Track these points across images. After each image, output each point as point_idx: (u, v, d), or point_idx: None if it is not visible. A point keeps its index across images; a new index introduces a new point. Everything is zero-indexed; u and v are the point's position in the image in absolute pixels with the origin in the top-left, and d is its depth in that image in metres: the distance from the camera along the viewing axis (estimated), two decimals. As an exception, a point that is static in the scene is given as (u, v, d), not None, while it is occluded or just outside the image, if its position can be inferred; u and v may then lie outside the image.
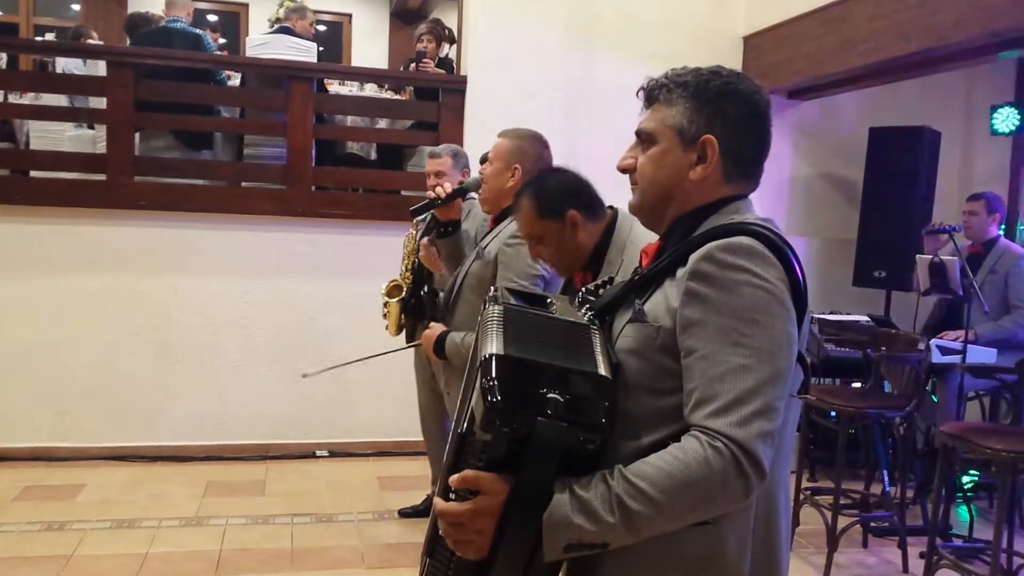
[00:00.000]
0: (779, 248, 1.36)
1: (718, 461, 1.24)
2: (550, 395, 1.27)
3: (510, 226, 3.11)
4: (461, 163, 4.12)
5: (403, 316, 4.14)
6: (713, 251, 1.34)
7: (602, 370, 1.33)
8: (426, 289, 3.95)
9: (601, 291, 1.59)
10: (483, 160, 4.03)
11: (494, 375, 1.27)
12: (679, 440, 1.30)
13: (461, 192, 3.27)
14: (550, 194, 2.40)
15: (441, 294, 3.57)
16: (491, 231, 3.23)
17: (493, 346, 1.32)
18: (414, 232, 4.15)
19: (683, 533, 1.32)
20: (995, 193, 5.17)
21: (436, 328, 3.26)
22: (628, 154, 1.55)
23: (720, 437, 1.25)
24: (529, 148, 3.13)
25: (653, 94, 1.51)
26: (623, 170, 1.56)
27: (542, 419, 1.26)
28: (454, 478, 1.33)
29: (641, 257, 1.56)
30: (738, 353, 1.29)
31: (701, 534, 1.34)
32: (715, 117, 1.45)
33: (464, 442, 1.35)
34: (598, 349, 1.39)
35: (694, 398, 1.30)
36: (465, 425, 1.36)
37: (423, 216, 3.84)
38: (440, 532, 1.38)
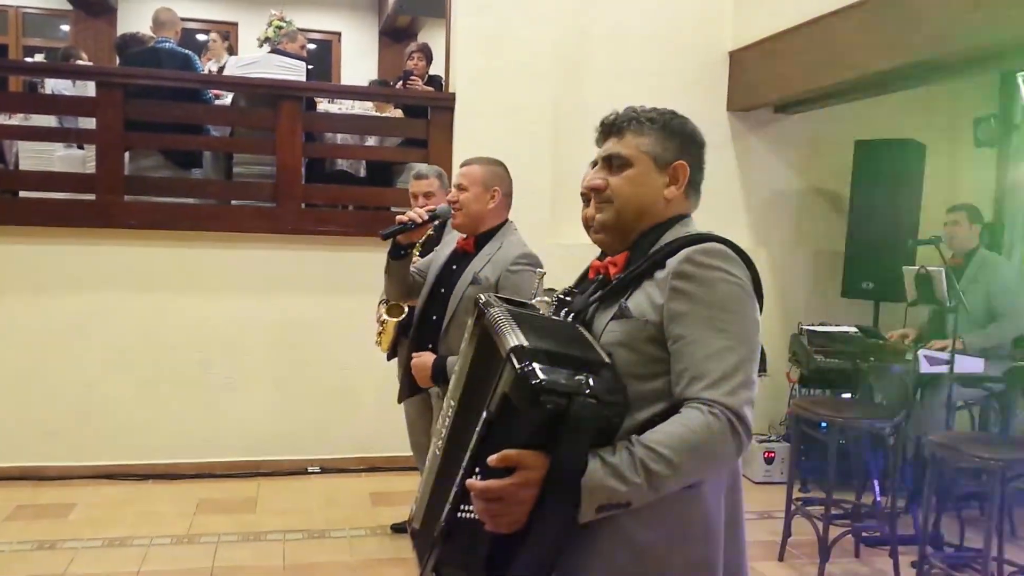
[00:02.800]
0: (741, 251, 1.65)
1: (717, 425, 1.49)
2: (578, 377, 1.44)
3: (506, 251, 3.17)
4: (446, 183, 4.19)
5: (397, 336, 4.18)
6: (693, 254, 1.60)
7: (606, 358, 1.55)
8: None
9: (569, 298, 1.84)
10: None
11: (528, 360, 1.43)
12: (666, 416, 1.54)
13: (434, 218, 3.32)
14: None
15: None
16: (474, 253, 3.24)
17: (517, 338, 1.48)
18: (414, 252, 4.15)
19: (678, 498, 1.55)
20: (975, 205, 5.21)
21: (427, 356, 3.22)
22: (597, 175, 1.78)
23: (716, 405, 1.50)
24: (503, 172, 3.29)
25: (622, 126, 1.75)
26: (594, 189, 1.77)
27: (580, 397, 1.41)
28: (494, 458, 1.45)
29: (608, 267, 1.77)
30: (721, 337, 1.54)
31: (688, 496, 1.57)
32: (683, 147, 1.75)
33: (493, 427, 1.49)
34: (593, 342, 1.60)
35: (687, 376, 1.54)
36: (492, 411, 1.49)
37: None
38: (475, 511, 1.49)
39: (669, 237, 1.69)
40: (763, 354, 1.68)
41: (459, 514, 1.54)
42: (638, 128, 1.73)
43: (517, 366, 1.42)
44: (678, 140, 1.74)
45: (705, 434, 1.48)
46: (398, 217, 3.26)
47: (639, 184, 1.72)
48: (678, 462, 1.47)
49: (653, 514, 1.55)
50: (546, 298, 2.50)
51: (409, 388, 3.44)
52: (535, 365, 1.41)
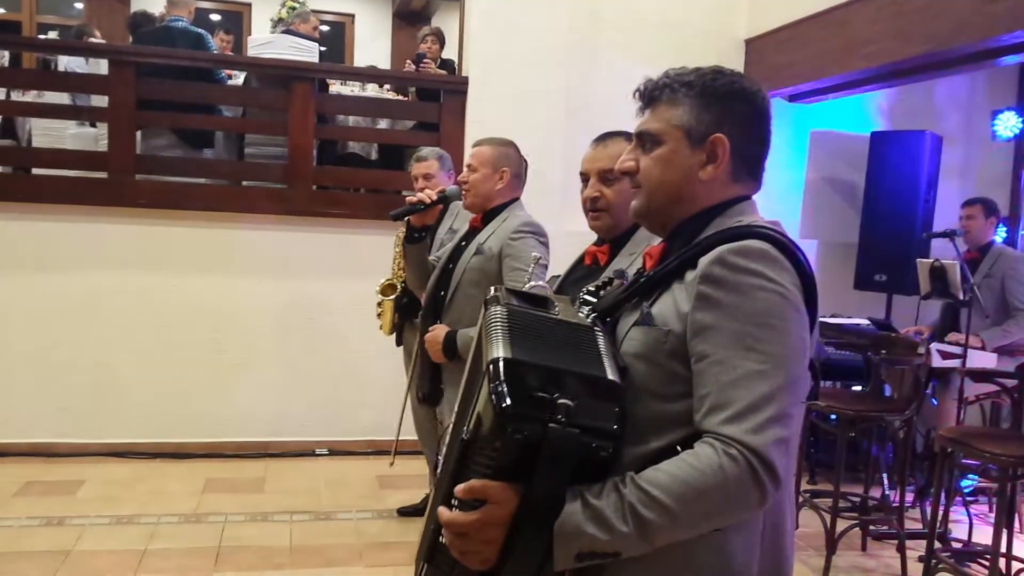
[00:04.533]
0: (791, 252, 1.34)
1: (733, 469, 1.22)
2: (561, 400, 1.22)
3: (510, 222, 3.19)
4: (446, 165, 4.23)
5: (396, 315, 4.21)
6: (725, 254, 1.32)
7: (610, 374, 1.30)
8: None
9: (602, 292, 1.56)
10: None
11: (503, 379, 1.23)
12: (687, 446, 1.28)
13: (444, 200, 3.36)
14: None
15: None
16: (481, 229, 3.26)
17: (500, 349, 1.27)
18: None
19: (691, 541, 1.29)
20: (991, 198, 5.17)
21: (440, 329, 3.20)
22: (628, 156, 1.51)
23: (735, 444, 1.22)
24: (512, 152, 3.29)
25: (654, 95, 1.48)
26: (624, 172, 1.52)
27: (555, 425, 1.21)
28: (460, 488, 1.27)
29: (644, 260, 1.52)
30: (752, 358, 1.26)
31: (709, 541, 1.31)
32: (724, 116, 1.43)
33: (468, 449, 1.30)
34: (604, 352, 1.35)
35: (707, 404, 1.27)
36: (470, 431, 1.30)
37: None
38: (444, 542, 1.33)
39: (717, 227, 1.41)
40: (816, 378, 1.41)
41: (440, 538, 1.36)
42: (671, 97, 1.45)
43: (490, 384, 1.23)
44: (718, 107, 1.43)
45: (716, 479, 1.21)
46: (407, 199, 3.31)
47: (668, 165, 1.44)
48: (677, 510, 1.22)
49: (661, 561, 1.31)
50: (542, 283, 2.45)
51: (428, 393, 3.39)
52: (506, 386, 1.22)
